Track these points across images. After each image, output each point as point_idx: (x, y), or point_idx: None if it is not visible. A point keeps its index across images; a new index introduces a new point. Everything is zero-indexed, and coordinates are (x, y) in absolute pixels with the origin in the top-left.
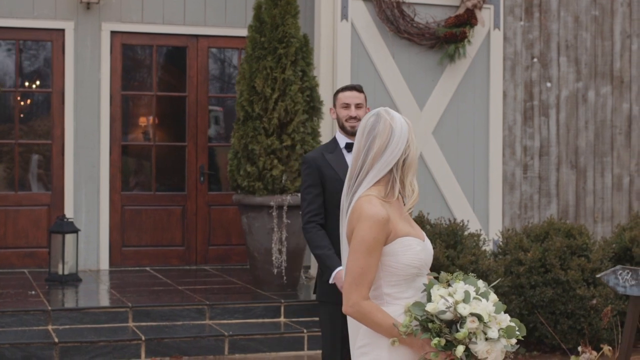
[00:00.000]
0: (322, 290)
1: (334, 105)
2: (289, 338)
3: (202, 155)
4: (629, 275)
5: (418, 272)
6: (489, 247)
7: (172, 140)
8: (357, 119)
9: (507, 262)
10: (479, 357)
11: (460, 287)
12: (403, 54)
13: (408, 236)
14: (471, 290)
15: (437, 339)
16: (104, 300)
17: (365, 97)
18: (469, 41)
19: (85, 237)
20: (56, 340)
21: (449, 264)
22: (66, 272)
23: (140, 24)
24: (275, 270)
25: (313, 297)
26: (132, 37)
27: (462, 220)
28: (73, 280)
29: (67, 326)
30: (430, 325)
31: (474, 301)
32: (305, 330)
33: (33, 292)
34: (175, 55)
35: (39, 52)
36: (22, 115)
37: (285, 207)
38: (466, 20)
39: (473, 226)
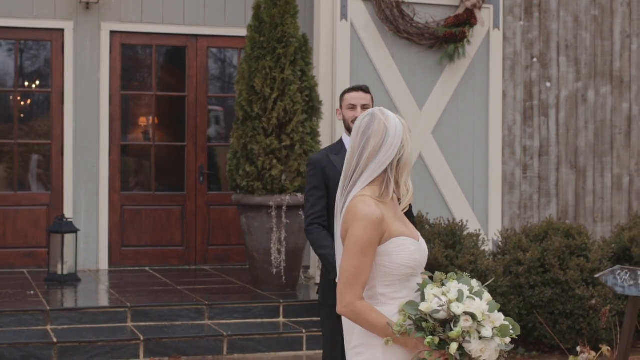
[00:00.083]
0: (323, 292)
1: (340, 106)
2: (287, 338)
3: (201, 155)
4: (628, 276)
5: (412, 272)
6: (488, 247)
7: (172, 140)
8: None
9: (506, 262)
10: (473, 356)
11: (453, 286)
12: (402, 54)
13: (402, 236)
14: (465, 289)
15: (431, 337)
16: (103, 300)
17: (372, 98)
18: (468, 41)
19: (84, 237)
20: (55, 340)
21: (447, 264)
22: (65, 272)
23: (140, 24)
24: (275, 270)
25: (312, 297)
26: (132, 37)
27: (461, 220)
28: (72, 280)
29: (66, 326)
30: (424, 324)
31: (468, 300)
32: (304, 331)
33: (32, 292)
34: (174, 55)
35: (39, 52)
36: (21, 115)
37: (284, 207)
38: (466, 20)
39: (473, 226)
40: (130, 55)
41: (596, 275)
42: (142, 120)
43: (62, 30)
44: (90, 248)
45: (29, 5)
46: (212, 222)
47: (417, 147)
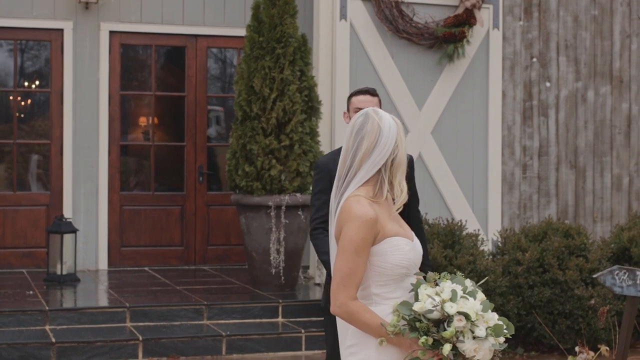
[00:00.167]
0: (327, 297)
1: (347, 109)
2: (286, 338)
3: (201, 155)
4: (626, 276)
5: (407, 272)
6: (487, 247)
7: (171, 140)
8: None
9: (505, 262)
10: (467, 356)
11: (447, 286)
12: (402, 54)
13: (397, 236)
14: (458, 289)
15: (425, 337)
16: (102, 301)
17: (380, 101)
18: (468, 41)
19: (83, 237)
20: (53, 340)
21: (446, 264)
22: (64, 272)
23: (139, 24)
24: (274, 270)
25: (311, 297)
26: (131, 37)
27: (460, 220)
28: (71, 280)
29: (65, 326)
30: (417, 324)
31: (461, 300)
32: (303, 331)
33: (31, 292)
34: (174, 55)
35: (38, 52)
36: (21, 115)
37: (283, 207)
38: (465, 20)
39: (472, 226)
40: (130, 55)
41: (594, 276)
42: (142, 120)
43: (61, 30)
44: (89, 248)
45: (29, 5)
46: (211, 222)
47: (417, 147)
